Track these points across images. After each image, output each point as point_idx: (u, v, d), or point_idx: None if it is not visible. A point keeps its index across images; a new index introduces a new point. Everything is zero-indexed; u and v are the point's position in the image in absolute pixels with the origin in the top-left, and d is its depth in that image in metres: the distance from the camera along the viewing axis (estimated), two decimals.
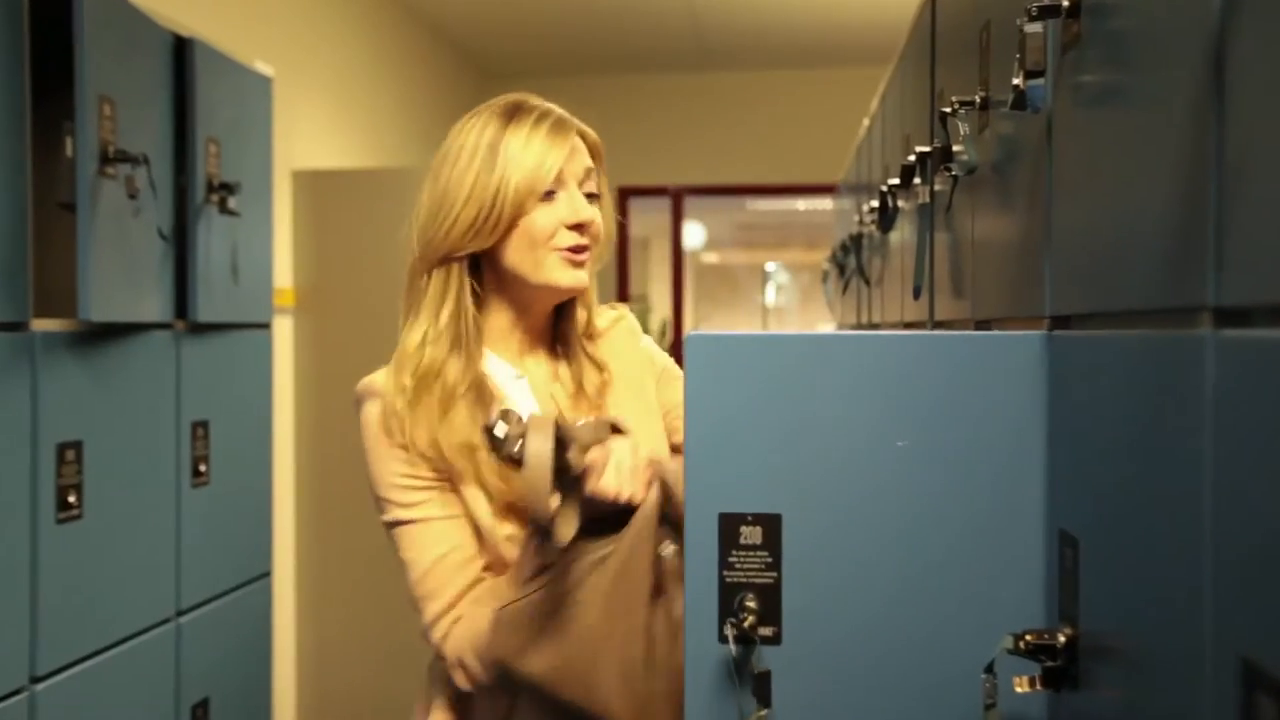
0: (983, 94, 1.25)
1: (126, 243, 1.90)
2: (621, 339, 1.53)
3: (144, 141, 1.93)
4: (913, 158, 1.58)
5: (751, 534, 1.01)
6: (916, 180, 1.62)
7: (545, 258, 1.38)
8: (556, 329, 1.49)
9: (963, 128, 1.27)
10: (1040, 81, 0.93)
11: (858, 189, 3.34)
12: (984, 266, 1.30)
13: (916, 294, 1.64)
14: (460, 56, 5.80)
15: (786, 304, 13.39)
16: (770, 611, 1.01)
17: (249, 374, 2.56)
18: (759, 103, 6.18)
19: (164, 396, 2.14)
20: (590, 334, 1.50)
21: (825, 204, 7.73)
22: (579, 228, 1.39)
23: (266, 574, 2.63)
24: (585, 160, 1.43)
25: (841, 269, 3.54)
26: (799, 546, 1.01)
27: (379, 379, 1.39)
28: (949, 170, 1.35)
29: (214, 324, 2.31)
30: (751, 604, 1.00)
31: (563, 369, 1.48)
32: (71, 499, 1.80)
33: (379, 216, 3.73)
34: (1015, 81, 0.96)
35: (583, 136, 1.45)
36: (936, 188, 1.58)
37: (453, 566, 1.36)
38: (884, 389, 1.02)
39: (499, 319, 1.44)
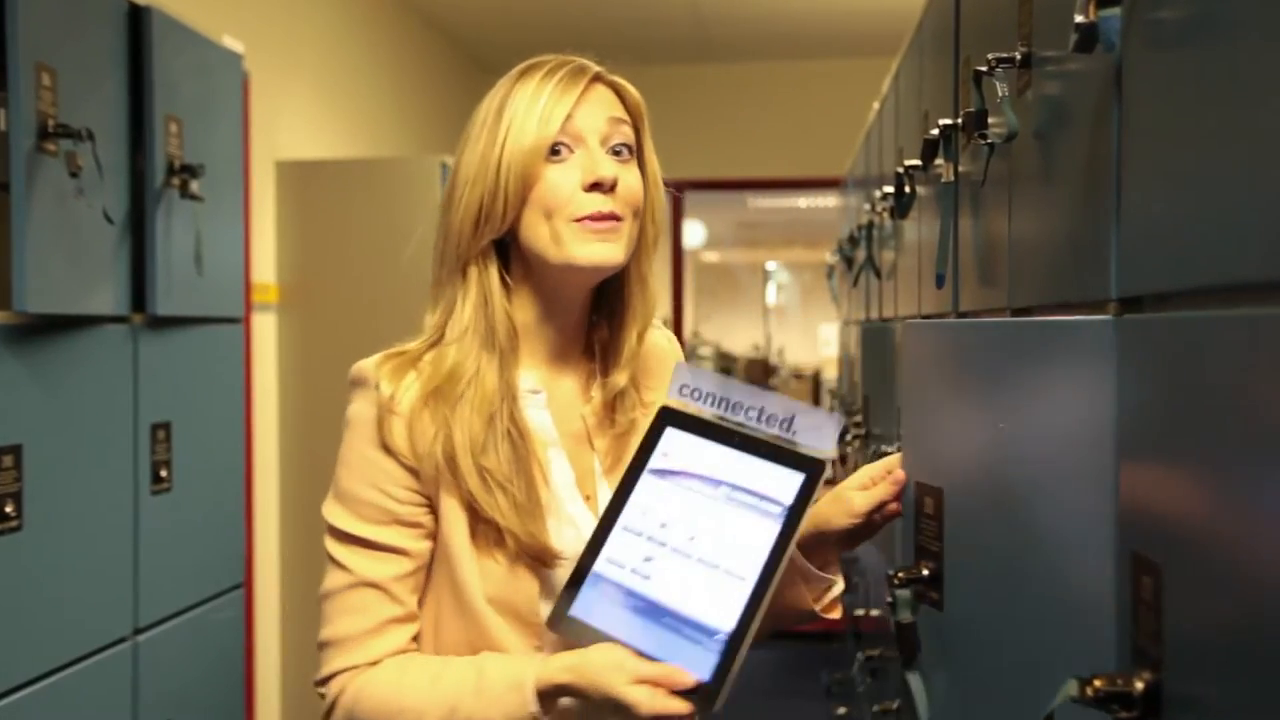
0: (1024, 49, 1.11)
1: (72, 227, 1.73)
2: (662, 368, 1.30)
3: (94, 117, 1.76)
4: (936, 131, 1.45)
5: (929, 504, 1.10)
6: (938, 160, 1.49)
7: (562, 230, 1.15)
8: (599, 332, 1.28)
9: (1001, 89, 1.12)
10: (1115, 11, 0.78)
11: (866, 181, 3.22)
12: (1023, 247, 1.16)
13: (940, 282, 1.51)
14: (452, 45, 5.67)
15: (788, 303, 13.56)
16: (938, 577, 1.08)
17: (218, 372, 2.39)
18: (761, 95, 6.06)
19: (119, 396, 1.97)
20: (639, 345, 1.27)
21: (827, 202, 7.64)
22: (598, 187, 1.16)
23: (239, 585, 2.47)
24: (610, 110, 1.20)
25: (849, 263, 3.41)
26: (953, 521, 1.07)
27: (382, 372, 1.17)
28: (983, 139, 1.20)
29: (177, 318, 2.14)
30: (925, 567, 1.09)
31: (596, 387, 1.25)
32: (9, 508, 1.64)
33: (367, 209, 3.59)
34: (1079, 19, 0.81)
35: (616, 91, 1.22)
36: (962, 168, 1.44)
37: (393, 622, 1.16)
38: (996, 374, 1.02)
39: (525, 312, 1.22)
